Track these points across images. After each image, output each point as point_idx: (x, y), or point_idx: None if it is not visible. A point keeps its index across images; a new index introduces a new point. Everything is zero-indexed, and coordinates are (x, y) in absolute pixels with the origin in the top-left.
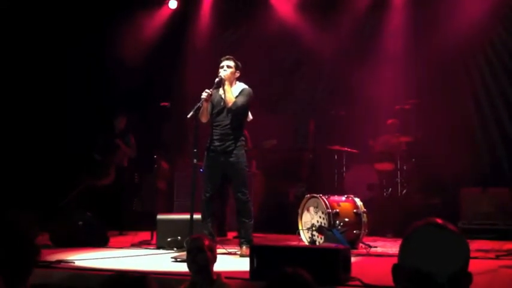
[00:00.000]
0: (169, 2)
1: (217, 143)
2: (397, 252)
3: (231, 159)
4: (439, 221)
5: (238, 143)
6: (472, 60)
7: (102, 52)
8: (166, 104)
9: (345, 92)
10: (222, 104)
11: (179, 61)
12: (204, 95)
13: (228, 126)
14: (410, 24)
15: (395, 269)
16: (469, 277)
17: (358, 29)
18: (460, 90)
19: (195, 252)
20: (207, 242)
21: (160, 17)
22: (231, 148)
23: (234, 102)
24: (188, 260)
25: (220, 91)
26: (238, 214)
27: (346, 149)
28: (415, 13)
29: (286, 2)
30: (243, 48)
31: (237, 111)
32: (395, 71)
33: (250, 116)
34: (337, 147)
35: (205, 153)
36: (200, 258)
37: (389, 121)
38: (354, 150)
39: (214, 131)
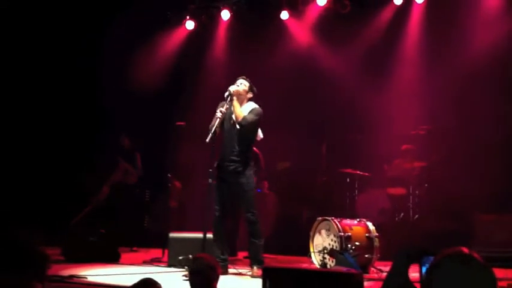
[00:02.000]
0: (186, 22)
1: (226, 163)
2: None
3: (240, 179)
4: (465, 250)
5: (247, 164)
6: (486, 85)
7: (119, 71)
8: (182, 123)
9: (358, 116)
10: (231, 122)
11: (195, 81)
12: (218, 114)
13: (238, 147)
14: (425, 49)
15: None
16: None
17: (373, 53)
18: (474, 115)
19: (196, 272)
20: (208, 261)
21: (177, 37)
22: (240, 169)
23: (244, 118)
24: (190, 280)
25: (231, 108)
26: (249, 234)
27: (358, 172)
28: (429, 38)
29: (301, 25)
30: (258, 70)
31: (246, 129)
32: (409, 95)
33: (260, 135)
34: (349, 171)
35: (216, 172)
36: (203, 277)
37: (404, 147)
38: (366, 174)
39: (224, 150)
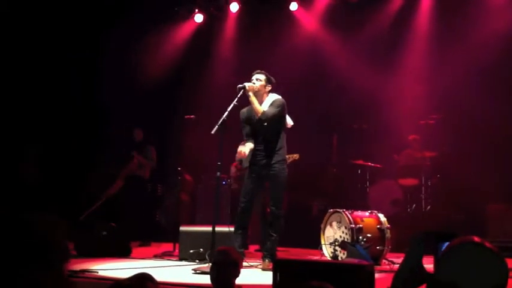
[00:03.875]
0: (195, 15)
1: (258, 158)
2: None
3: (272, 172)
4: (477, 239)
5: (278, 157)
6: (498, 75)
7: (129, 65)
8: (191, 116)
9: (368, 106)
10: (256, 118)
11: (205, 73)
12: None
13: (265, 139)
14: (435, 38)
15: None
16: None
17: (382, 42)
18: (485, 104)
19: (219, 266)
20: (232, 256)
21: (186, 30)
22: (271, 162)
23: (263, 113)
24: (212, 273)
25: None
26: (269, 226)
27: (369, 163)
28: (439, 27)
29: (311, 16)
30: (267, 62)
31: (269, 122)
32: (419, 85)
33: (290, 122)
34: (360, 162)
35: (249, 166)
36: (224, 272)
37: (411, 137)
38: (378, 165)
39: (257, 146)
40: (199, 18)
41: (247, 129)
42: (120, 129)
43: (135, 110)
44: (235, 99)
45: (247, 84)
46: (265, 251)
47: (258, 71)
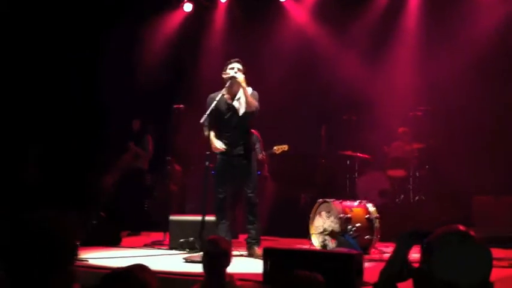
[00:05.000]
0: (184, 4)
1: (229, 147)
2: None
3: (244, 161)
4: (462, 228)
5: (250, 146)
6: (487, 66)
7: (117, 54)
8: (179, 106)
9: (357, 98)
10: (230, 108)
11: (193, 63)
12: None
13: (239, 130)
14: (424, 31)
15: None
16: (490, 287)
17: (372, 35)
18: (474, 96)
19: (211, 255)
20: (224, 246)
21: (175, 19)
22: (243, 151)
23: (256, 107)
24: (203, 262)
25: (225, 97)
26: (251, 216)
27: (358, 154)
28: (429, 20)
29: (301, 7)
30: (257, 53)
31: (252, 115)
32: (408, 76)
33: None
34: (349, 153)
35: (217, 156)
36: (215, 262)
37: (401, 129)
38: (366, 156)
39: (225, 135)
40: (188, 7)
41: (212, 118)
42: (120, 129)
43: (133, 106)
44: (224, 89)
45: (238, 75)
46: (252, 239)
47: (237, 59)
